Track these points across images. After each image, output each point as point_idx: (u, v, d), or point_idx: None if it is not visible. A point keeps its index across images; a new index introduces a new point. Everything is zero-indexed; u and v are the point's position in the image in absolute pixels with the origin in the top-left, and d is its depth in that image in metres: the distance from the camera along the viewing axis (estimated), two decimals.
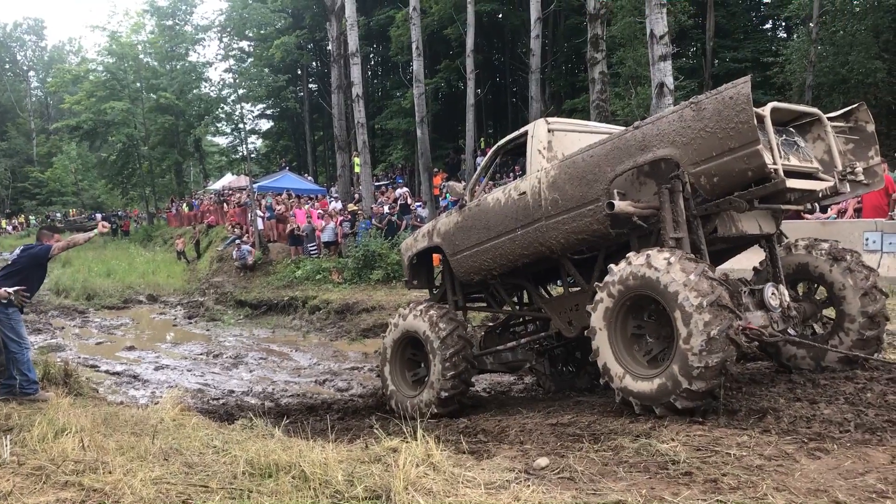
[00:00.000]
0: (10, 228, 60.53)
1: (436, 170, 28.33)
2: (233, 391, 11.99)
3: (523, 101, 31.79)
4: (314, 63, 47.69)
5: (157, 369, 14.09)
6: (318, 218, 26.02)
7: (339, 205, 27.73)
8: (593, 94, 18.87)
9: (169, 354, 15.99)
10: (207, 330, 19.60)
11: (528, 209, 7.12)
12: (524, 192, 7.19)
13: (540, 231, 7.02)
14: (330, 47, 34.82)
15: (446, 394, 7.76)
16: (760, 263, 6.97)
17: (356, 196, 28.70)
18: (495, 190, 7.75)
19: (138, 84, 46.73)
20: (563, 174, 6.80)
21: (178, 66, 47.37)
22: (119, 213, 55.39)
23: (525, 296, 8.72)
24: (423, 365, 8.31)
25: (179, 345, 17.29)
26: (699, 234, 6.07)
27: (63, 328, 19.32)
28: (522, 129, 7.63)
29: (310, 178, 42.66)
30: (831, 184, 6.05)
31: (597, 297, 6.10)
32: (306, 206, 29.03)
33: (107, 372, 13.72)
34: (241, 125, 44.51)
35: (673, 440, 5.13)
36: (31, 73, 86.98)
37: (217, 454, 5.14)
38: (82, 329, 19.67)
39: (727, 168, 5.70)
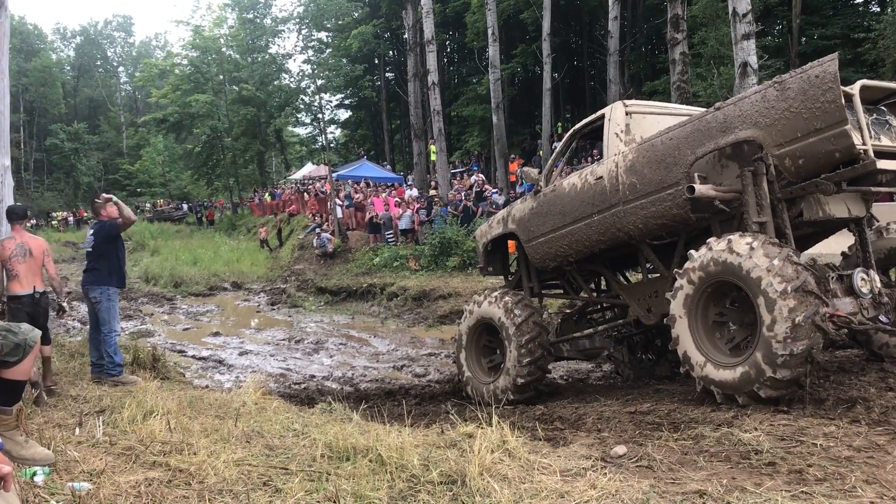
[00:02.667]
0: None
1: (512, 156, 28.21)
2: (313, 376, 12.24)
3: (601, 84, 31.29)
4: (391, 52, 48.00)
5: (240, 354, 14.49)
6: (396, 206, 26.26)
7: (415, 192, 27.91)
8: (674, 75, 18.42)
9: (252, 340, 16.43)
10: (289, 316, 20.04)
11: (605, 194, 6.99)
12: (601, 177, 7.07)
13: (617, 216, 6.88)
14: (406, 35, 35.02)
15: (522, 380, 7.70)
16: (850, 248, 6.66)
17: (432, 184, 28.84)
18: (571, 175, 7.62)
19: (221, 77, 47.99)
20: (641, 157, 6.64)
21: (259, 59, 48.48)
22: (204, 202, 57.04)
23: (602, 282, 8.60)
24: (498, 351, 8.31)
25: (262, 330, 17.75)
26: (784, 218, 5.85)
27: (152, 315, 20.05)
28: (599, 113, 7.49)
29: (387, 166, 43.07)
30: None
31: (676, 284, 5.95)
32: (384, 195, 29.33)
33: (193, 357, 14.18)
34: (319, 115, 45.29)
35: (756, 430, 4.99)
36: (121, 69, 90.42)
37: (297, 437, 5.25)
38: (170, 315, 20.38)
39: (813, 149, 5.48)
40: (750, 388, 5.41)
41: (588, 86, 37.83)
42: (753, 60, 15.23)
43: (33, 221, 54.32)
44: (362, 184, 32.55)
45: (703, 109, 6.59)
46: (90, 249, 8.25)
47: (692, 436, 5.10)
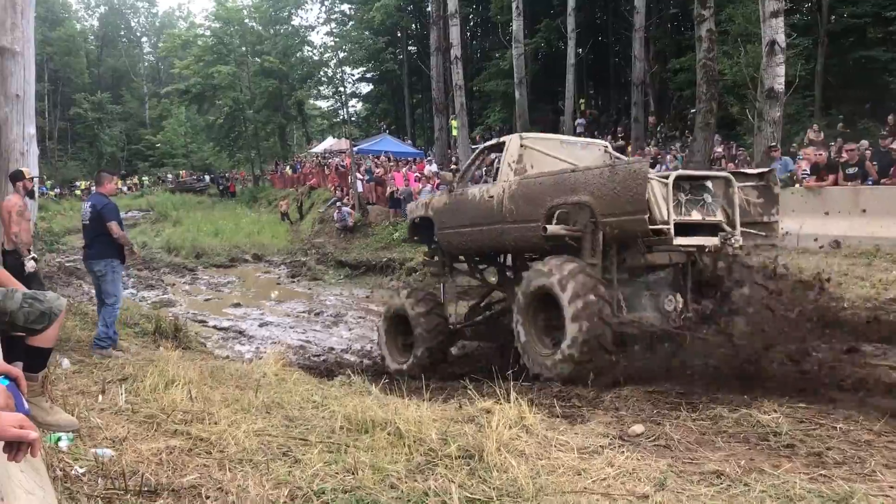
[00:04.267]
0: (125, 189, 63.41)
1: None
2: (332, 348, 12.33)
3: (626, 60, 30.92)
4: (413, 25, 47.65)
5: (261, 326, 14.62)
6: (416, 181, 26.20)
7: (435, 168, 27.83)
8: (700, 52, 18.18)
9: (272, 311, 16.55)
10: (309, 289, 20.17)
11: (493, 211, 8.60)
12: (492, 196, 8.64)
13: (500, 231, 8.53)
14: (429, 9, 34.75)
15: (424, 361, 9.13)
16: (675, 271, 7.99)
17: (453, 159, 28.74)
18: (476, 186, 9.38)
19: (244, 48, 47.96)
20: (519, 191, 8.26)
21: (282, 30, 48.34)
22: (226, 174, 57.27)
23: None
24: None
25: (283, 302, 17.87)
26: (612, 260, 7.40)
27: (174, 285, 20.25)
28: (503, 139, 9.22)
29: (408, 141, 42.93)
30: (717, 243, 7.10)
31: (517, 295, 7.75)
32: (404, 170, 29.27)
33: (214, 327, 14.33)
34: (341, 89, 45.18)
35: (775, 411, 4.97)
36: (144, 39, 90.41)
37: (316, 409, 5.30)
38: (191, 286, 20.57)
39: (624, 225, 7.06)
40: (558, 369, 6.97)
41: (612, 62, 37.40)
42: (781, 39, 15.00)
43: (57, 190, 54.89)
44: (383, 158, 32.50)
45: (569, 167, 8.13)
46: (87, 222, 8.14)
47: (710, 416, 5.10)
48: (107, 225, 7.99)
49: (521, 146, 8.61)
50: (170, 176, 64.86)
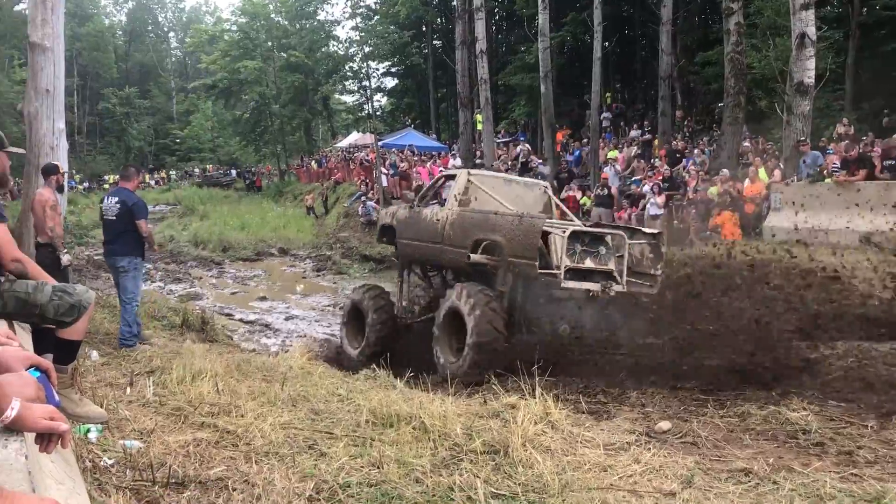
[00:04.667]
0: (153, 183, 63.98)
1: (559, 126, 27.88)
2: None
3: (653, 53, 30.62)
4: (439, 19, 47.55)
5: (287, 319, 14.70)
6: None
7: (460, 162, 27.80)
8: (728, 46, 17.97)
9: (298, 305, 16.64)
10: (334, 283, 20.24)
11: (437, 233, 10.00)
12: (438, 220, 10.05)
13: (440, 250, 9.97)
14: (454, 2, 34.66)
15: (372, 349, 10.56)
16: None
17: (477, 153, 28.68)
18: (429, 207, 10.68)
19: (270, 43, 48.07)
20: (458, 220, 9.68)
21: (308, 25, 48.39)
22: (252, 169, 57.54)
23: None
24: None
25: (308, 296, 17.96)
26: (518, 290, 8.91)
27: (200, 278, 20.40)
28: (456, 172, 11.29)
29: (433, 135, 42.91)
30: (598, 288, 8.32)
31: (437, 314, 9.22)
32: (429, 164, 29.28)
33: (240, 320, 14.43)
34: (366, 83, 45.19)
35: (804, 409, 4.91)
36: (171, 34, 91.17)
37: (342, 402, 5.32)
38: (218, 279, 20.73)
39: (522, 266, 8.51)
40: (460, 371, 8.14)
41: (639, 56, 37.10)
42: (812, 31, 14.78)
43: (86, 184, 55.57)
44: (407, 152, 32.52)
45: (494, 209, 9.56)
46: (114, 218, 7.99)
47: (738, 413, 5.05)
48: (136, 223, 7.95)
49: (468, 181, 10.25)
50: (196, 170, 65.30)
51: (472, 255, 9.05)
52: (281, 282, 20.69)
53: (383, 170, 28.95)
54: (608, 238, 8.76)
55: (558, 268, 8.35)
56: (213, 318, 11.58)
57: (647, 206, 17.30)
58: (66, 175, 8.84)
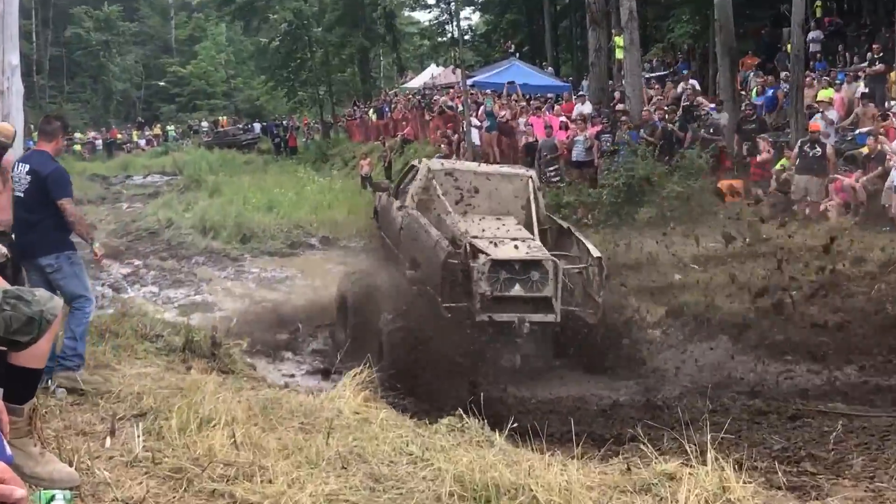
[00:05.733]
0: (142, 143, 65.30)
1: (742, 53, 27.34)
2: None
3: None
4: None
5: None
6: (561, 128, 26.02)
7: (589, 108, 27.57)
8: None
9: None
10: None
11: (397, 234, 12.98)
12: (398, 221, 12.91)
13: (396, 253, 13.04)
14: None
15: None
16: None
17: (616, 95, 28.38)
18: (397, 202, 13.54)
19: None
20: (408, 226, 12.36)
21: None
22: (284, 122, 58.36)
23: None
24: None
25: None
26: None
27: (210, 280, 20.76)
28: (418, 168, 13.63)
29: (548, 68, 42.73)
30: (514, 319, 10.81)
31: None
32: (544, 111, 29.11)
33: (267, 342, 14.63)
34: None
35: None
36: None
37: (414, 465, 5.33)
38: (236, 281, 21.06)
39: (433, 297, 11.07)
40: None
41: None
42: None
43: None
44: (512, 96, 32.44)
45: (432, 224, 12.04)
46: (21, 195, 7.82)
47: None
48: (57, 203, 7.76)
49: (429, 177, 12.67)
50: (205, 124, 66.61)
51: (407, 272, 11.64)
52: (324, 285, 20.87)
53: (475, 121, 28.96)
54: (544, 262, 11.00)
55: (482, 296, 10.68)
56: (229, 338, 11.77)
57: (893, 171, 16.69)
58: (16, 133, 8.66)
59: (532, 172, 14.60)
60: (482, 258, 10.81)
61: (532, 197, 13.07)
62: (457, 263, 10.87)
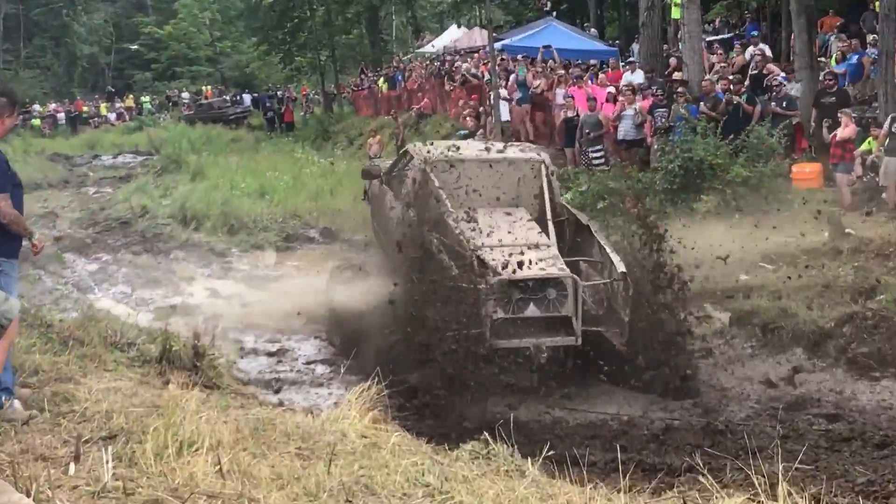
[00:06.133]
0: (112, 117, 65.49)
1: (820, 12, 27.23)
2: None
3: None
4: None
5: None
6: (608, 101, 25.95)
7: (640, 77, 27.51)
8: None
9: None
10: None
11: (391, 229, 13.80)
12: (392, 216, 13.84)
13: (392, 248, 13.15)
14: None
15: None
16: None
17: (672, 62, 28.33)
18: (390, 193, 14.64)
19: None
20: (406, 222, 12.69)
21: None
22: (279, 93, 58.48)
23: None
24: None
25: None
26: None
27: (192, 278, 20.81)
28: (413, 151, 14.47)
29: (591, 30, 42.67)
30: (530, 345, 11.14)
31: None
32: (586, 80, 29.03)
33: (257, 352, 14.68)
34: None
35: None
36: None
37: (431, 497, 5.34)
38: (221, 280, 21.11)
39: None
40: None
41: None
42: None
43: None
44: (548, 62, 32.38)
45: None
46: None
47: None
48: None
49: (424, 171, 12.93)
50: (185, 95, 66.82)
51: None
52: (324, 285, 20.87)
53: (504, 92, 28.94)
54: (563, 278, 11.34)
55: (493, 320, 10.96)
56: (214, 347, 11.79)
57: None
58: None
59: (545, 156, 14.70)
60: (491, 278, 11.05)
61: (545, 184, 13.33)
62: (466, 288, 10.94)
